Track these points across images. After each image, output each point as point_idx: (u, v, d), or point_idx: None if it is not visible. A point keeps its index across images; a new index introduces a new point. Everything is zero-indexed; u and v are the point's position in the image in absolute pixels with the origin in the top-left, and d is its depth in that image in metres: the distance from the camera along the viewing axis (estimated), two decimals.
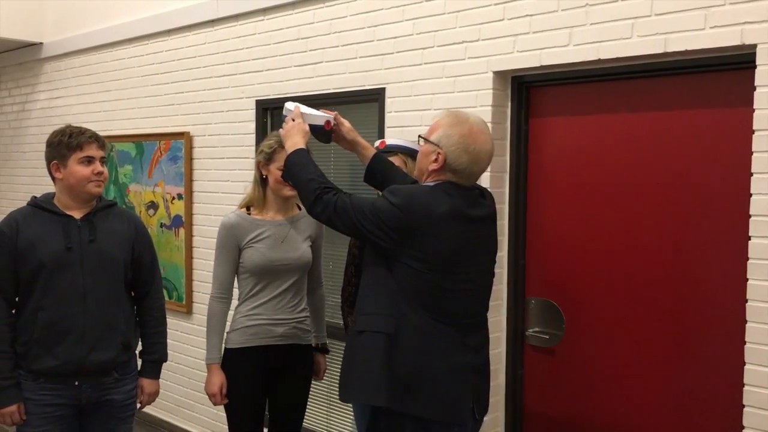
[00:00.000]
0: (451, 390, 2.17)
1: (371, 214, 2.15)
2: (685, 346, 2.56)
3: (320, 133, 2.55)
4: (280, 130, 2.51)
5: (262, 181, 2.77)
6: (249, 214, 2.77)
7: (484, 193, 2.32)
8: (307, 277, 2.87)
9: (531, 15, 2.76)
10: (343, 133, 2.60)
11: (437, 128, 2.23)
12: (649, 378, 2.65)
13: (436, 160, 2.19)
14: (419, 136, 2.32)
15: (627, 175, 2.68)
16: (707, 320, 2.51)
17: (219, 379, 2.70)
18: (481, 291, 2.31)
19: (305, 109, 2.52)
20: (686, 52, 2.40)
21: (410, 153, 2.74)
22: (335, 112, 2.59)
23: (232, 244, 2.73)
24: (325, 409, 3.81)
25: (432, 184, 2.21)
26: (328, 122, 2.54)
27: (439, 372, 2.16)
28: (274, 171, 2.70)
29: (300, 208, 2.85)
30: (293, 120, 2.47)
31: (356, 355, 2.22)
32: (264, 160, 2.73)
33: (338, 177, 3.73)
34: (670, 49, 2.42)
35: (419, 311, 2.15)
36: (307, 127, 2.46)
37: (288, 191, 2.71)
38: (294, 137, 2.41)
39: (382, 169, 2.58)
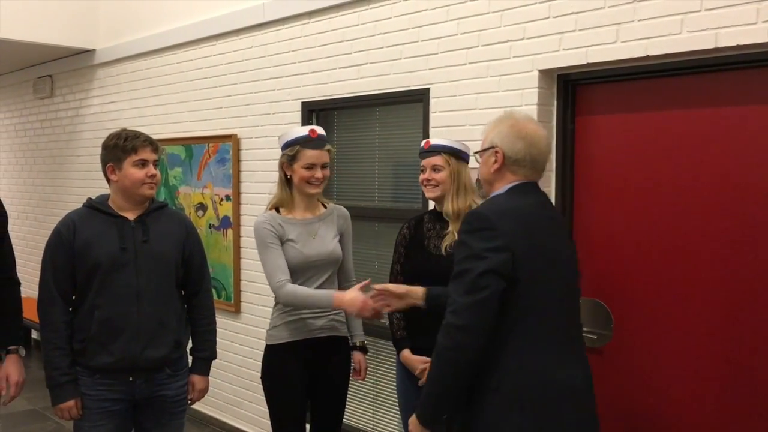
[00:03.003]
0: None
1: (475, 267, 1.94)
2: (740, 350, 2.50)
3: None
4: None
5: (287, 181, 2.81)
6: (279, 213, 2.83)
7: (547, 196, 2.24)
8: (337, 273, 2.90)
9: (577, 12, 2.73)
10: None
11: (486, 136, 2.20)
12: (701, 382, 2.60)
13: (495, 160, 2.13)
14: (474, 153, 2.28)
15: (677, 173, 2.64)
16: (765, 323, 2.45)
17: (354, 292, 2.60)
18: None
19: None
20: (738, 47, 2.35)
21: (454, 153, 2.74)
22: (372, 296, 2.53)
23: (274, 236, 2.74)
24: (371, 407, 3.83)
25: (503, 191, 2.13)
26: None
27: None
28: (299, 170, 2.74)
29: (325, 207, 2.91)
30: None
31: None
32: (287, 161, 2.77)
33: (382, 173, 3.75)
34: (721, 44, 2.37)
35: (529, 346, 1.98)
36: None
37: (311, 189, 2.76)
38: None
39: (441, 294, 2.35)
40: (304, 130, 2.77)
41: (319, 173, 2.74)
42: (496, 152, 2.13)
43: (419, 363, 2.71)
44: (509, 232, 1.97)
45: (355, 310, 2.57)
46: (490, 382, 1.98)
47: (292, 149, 2.75)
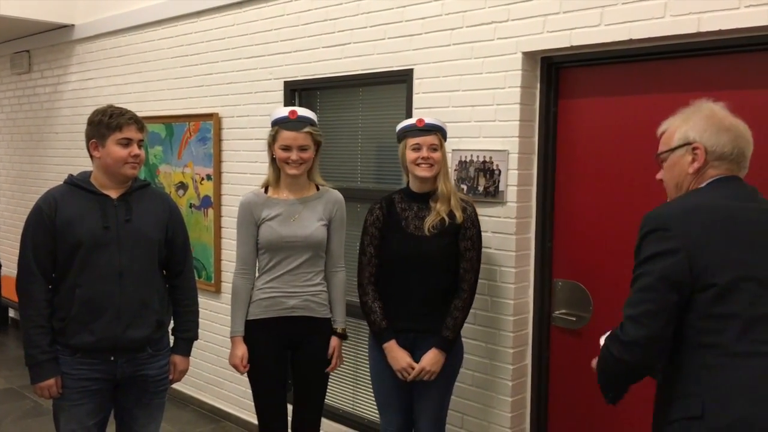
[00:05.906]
0: None
1: (641, 275, 1.73)
2: None
3: None
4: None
5: (273, 161, 2.85)
6: (266, 193, 2.87)
7: (755, 189, 1.86)
8: (324, 257, 2.91)
9: None
10: None
11: (672, 133, 1.89)
12: None
13: (694, 159, 1.82)
14: (657, 156, 1.96)
15: None
16: None
17: (240, 350, 2.84)
18: None
19: None
20: (720, 32, 2.37)
21: (444, 134, 2.76)
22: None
23: (249, 221, 2.85)
24: (351, 388, 3.86)
25: (703, 185, 1.83)
26: None
27: None
28: (277, 151, 2.80)
29: (317, 188, 2.90)
30: None
31: None
32: (271, 141, 2.82)
33: (365, 166, 3.74)
34: (703, 29, 2.39)
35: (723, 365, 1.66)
36: None
37: (289, 170, 2.78)
38: None
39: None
40: (285, 111, 2.81)
41: (294, 155, 2.76)
42: (696, 148, 1.82)
43: (403, 361, 2.68)
44: (689, 232, 1.69)
45: (230, 362, 2.88)
46: (688, 409, 1.69)
47: (273, 129, 2.81)
